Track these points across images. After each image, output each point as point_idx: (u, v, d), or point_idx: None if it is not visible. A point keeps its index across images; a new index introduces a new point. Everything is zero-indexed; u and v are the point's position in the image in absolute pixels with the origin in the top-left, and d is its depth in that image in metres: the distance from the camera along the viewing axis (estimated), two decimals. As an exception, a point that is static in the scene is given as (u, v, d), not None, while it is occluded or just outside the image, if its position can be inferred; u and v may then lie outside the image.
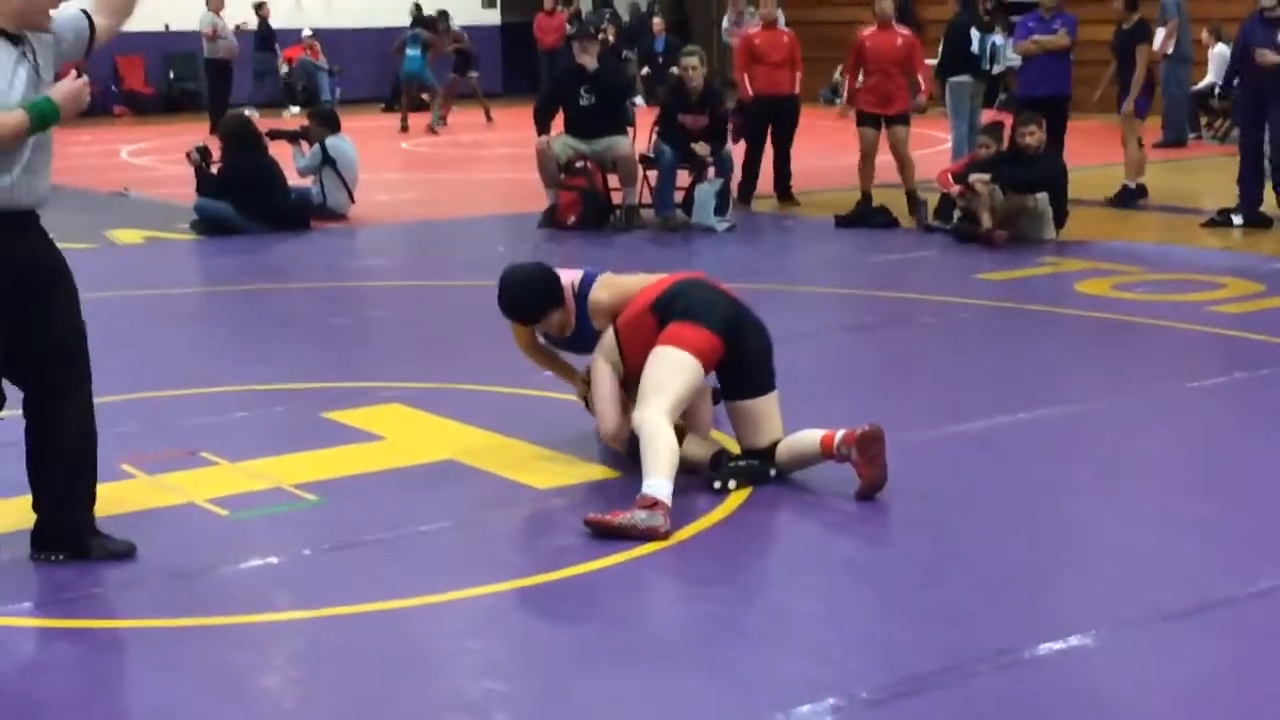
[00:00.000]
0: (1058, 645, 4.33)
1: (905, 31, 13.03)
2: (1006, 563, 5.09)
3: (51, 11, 4.76)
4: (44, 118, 4.62)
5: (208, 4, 21.21)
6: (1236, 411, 7.10)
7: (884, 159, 12.81)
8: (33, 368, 4.95)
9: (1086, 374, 7.79)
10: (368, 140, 19.17)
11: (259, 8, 25.32)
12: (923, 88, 13.14)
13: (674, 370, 5.63)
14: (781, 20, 14.31)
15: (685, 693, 4.10)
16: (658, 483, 5.31)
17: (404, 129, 21.62)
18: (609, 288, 6.17)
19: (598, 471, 6.01)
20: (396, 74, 23.36)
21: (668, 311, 5.76)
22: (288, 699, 4.17)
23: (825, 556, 5.33)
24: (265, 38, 25.19)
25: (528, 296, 6.16)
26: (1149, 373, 7.84)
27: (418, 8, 25.59)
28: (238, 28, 23.08)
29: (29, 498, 5.07)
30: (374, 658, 4.33)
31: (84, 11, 5.02)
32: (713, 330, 5.70)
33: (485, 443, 6.40)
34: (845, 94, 13.34)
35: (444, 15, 24.15)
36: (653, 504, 5.23)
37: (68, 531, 5.00)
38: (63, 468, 5.00)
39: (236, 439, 6.48)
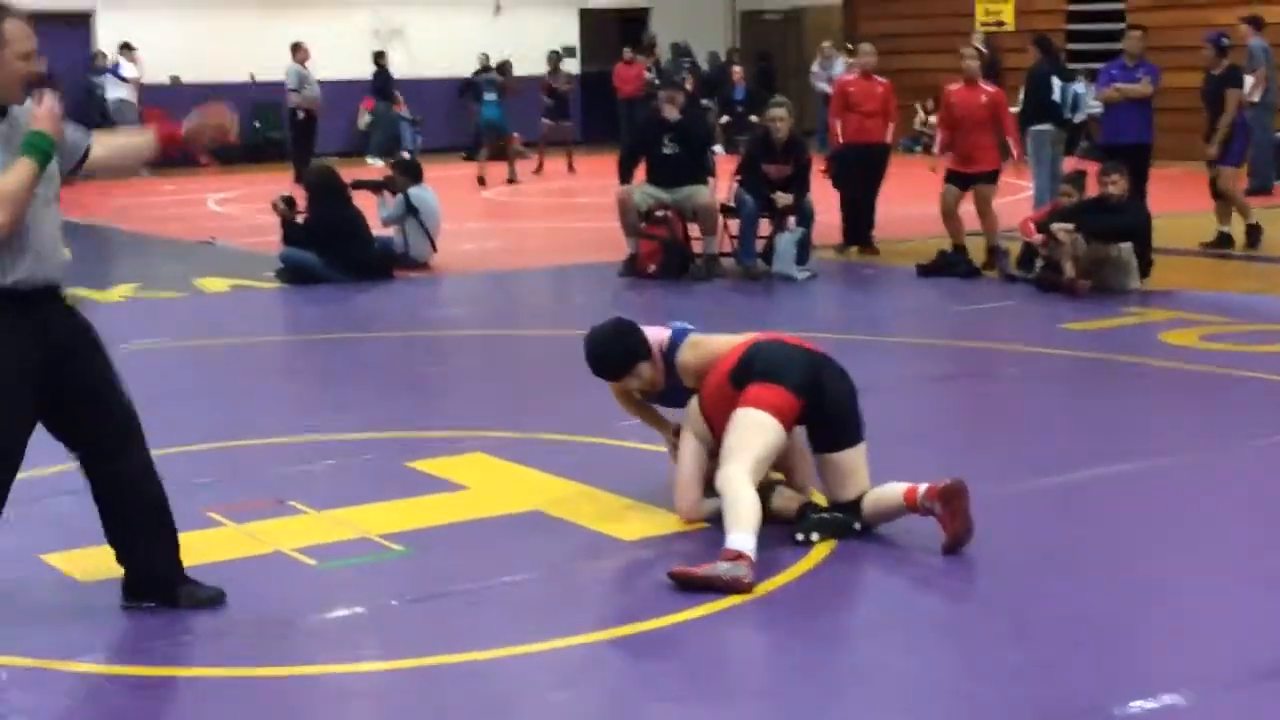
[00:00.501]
0: (1149, 704, 4.29)
1: (991, 89, 12.84)
2: (1093, 619, 5.03)
3: (29, 102, 4.75)
4: (43, 152, 4.60)
5: (292, 55, 21.41)
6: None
7: (966, 208, 12.73)
8: (81, 435, 4.99)
9: (1173, 427, 7.72)
10: (449, 189, 19.31)
11: (378, 57, 25.80)
12: (1014, 151, 12.96)
13: (754, 431, 5.65)
14: (875, 68, 14.23)
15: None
16: (741, 536, 5.30)
17: (481, 182, 21.28)
18: (695, 348, 6.16)
19: (683, 523, 5.99)
20: (476, 123, 23.40)
21: (746, 374, 5.79)
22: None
23: (910, 611, 5.30)
24: (383, 88, 25.71)
25: (610, 355, 6.18)
26: (1236, 426, 7.71)
27: (486, 56, 25.80)
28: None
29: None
30: (458, 709, 4.36)
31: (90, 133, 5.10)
32: (790, 389, 5.73)
33: (570, 493, 6.41)
34: (937, 148, 13.21)
35: (507, 63, 24.14)
36: (736, 556, 5.22)
37: (156, 581, 5.05)
38: (136, 529, 5.05)
39: (323, 488, 6.52)
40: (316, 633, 4.99)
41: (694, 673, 4.74)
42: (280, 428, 7.64)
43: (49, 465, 6.77)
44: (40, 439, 6.89)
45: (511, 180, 21.67)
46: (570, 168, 23.28)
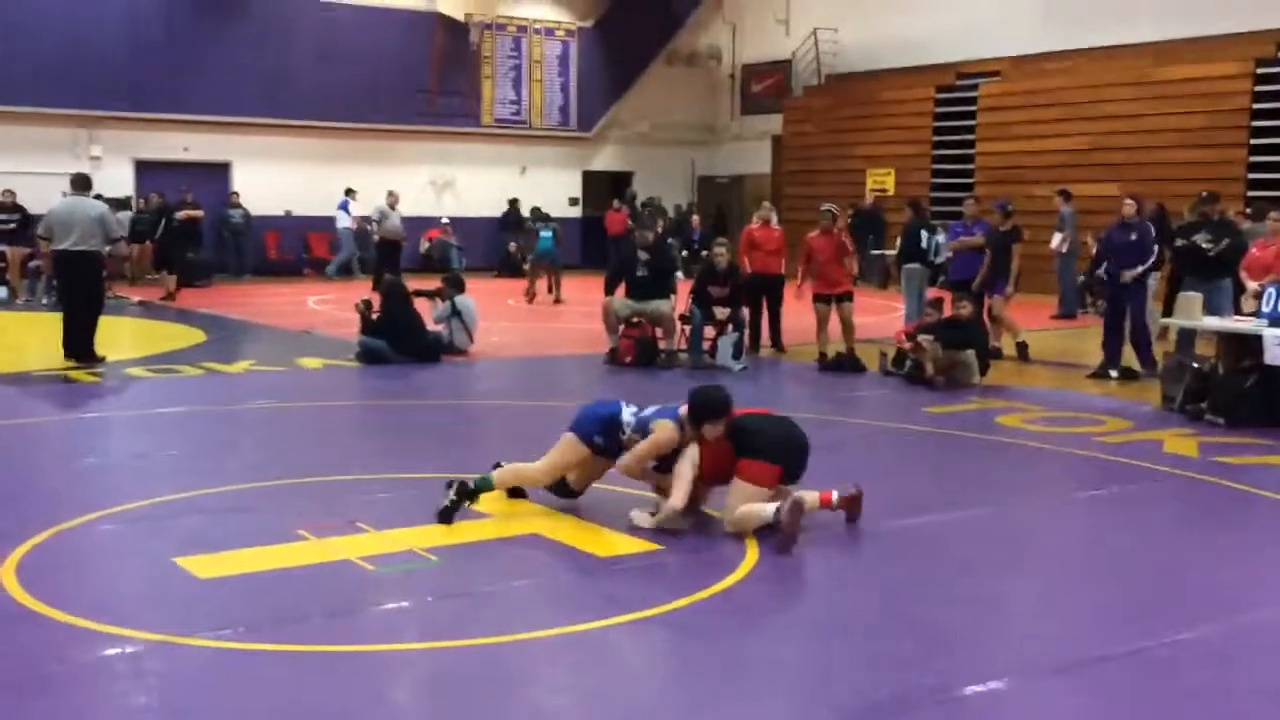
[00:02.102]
0: (979, 688, 4.28)
1: (840, 232, 12.81)
2: (942, 622, 5.02)
3: None
4: None
5: (387, 197, 21.30)
6: (1112, 515, 6.99)
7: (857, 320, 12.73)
8: None
9: (1003, 484, 7.73)
10: (487, 298, 19.34)
11: (513, 203, 26.33)
12: (853, 270, 12.99)
13: (750, 497, 6.09)
14: (774, 220, 14.27)
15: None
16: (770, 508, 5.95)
17: (530, 298, 20.18)
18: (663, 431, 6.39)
19: (647, 546, 5.95)
20: (519, 251, 22.92)
21: (741, 444, 6.18)
22: (412, 708, 4.14)
23: (796, 613, 5.28)
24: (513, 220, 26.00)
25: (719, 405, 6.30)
26: (1049, 484, 7.77)
27: (514, 202, 25.91)
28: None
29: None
30: (477, 679, 4.31)
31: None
32: (774, 463, 6.15)
33: (564, 522, 6.37)
34: (799, 278, 13.04)
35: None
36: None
37: None
38: None
39: (381, 513, 6.45)
40: (373, 620, 4.94)
41: (655, 652, 4.72)
42: (354, 468, 7.58)
43: (178, 492, 6.81)
44: (168, 470, 6.88)
45: (559, 300, 20.44)
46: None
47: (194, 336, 14.30)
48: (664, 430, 6.27)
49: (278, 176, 25.12)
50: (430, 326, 13.04)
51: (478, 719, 4.01)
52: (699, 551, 5.88)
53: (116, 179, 22.97)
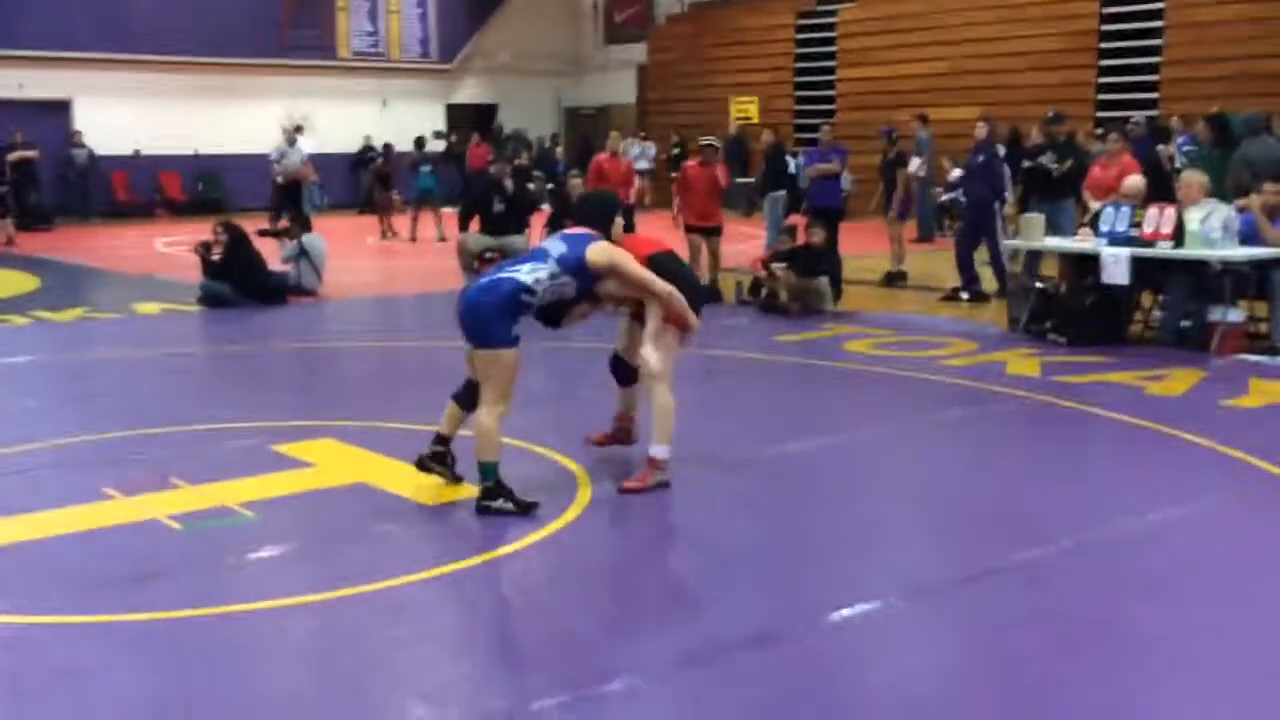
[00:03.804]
0: (851, 611, 4.22)
1: (717, 167, 12.41)
2: (808, 546, 4.95)
3: None
4: None
5: (285, 134, 20.11)
6: (950, 438, 6.96)
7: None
8: None
9: (849, 411, 7.64)
10: (344, 236, 18.77)
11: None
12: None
13: (670, 345, 5.68)
14: (623, 150, 13.98)
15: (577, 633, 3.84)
16: (666, 448, 5.61)
17: (413, 239, 19.44)
18: (606, 251, 5.46)
19: (473, 491, 5.65)
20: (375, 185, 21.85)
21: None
22: (228, 671, 3.85)
23: (667, 541, 5.11)
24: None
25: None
26: (889, 410, 7.66)
27: (368, 138, 24.99)
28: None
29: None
30: (254, 649, 4.04)
31: None
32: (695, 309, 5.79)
33: (392, 469, 6.07)
34: (675, 210, 12.70)
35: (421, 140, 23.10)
36: (664, 463, 5.60)
37: None
38: None
39: (201, 467, 6.08)
40: (169, 586, 4.56)
41: (466, 608, 4.49)
42: (178, 419, 7.18)
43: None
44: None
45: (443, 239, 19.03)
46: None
47: (26, 284, 13.57)
48: (616, 253, 5.43)
49: (123, 114, 24.00)
50: (277, 267, 12.55)
51: (260, 689, 3.75)
52: (532, 492, 5.64)
53: (-54, 118, 21.72)
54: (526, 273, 5.30)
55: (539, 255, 5.43)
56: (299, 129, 23.65)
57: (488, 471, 5.28)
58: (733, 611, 4.30)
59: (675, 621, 4.30)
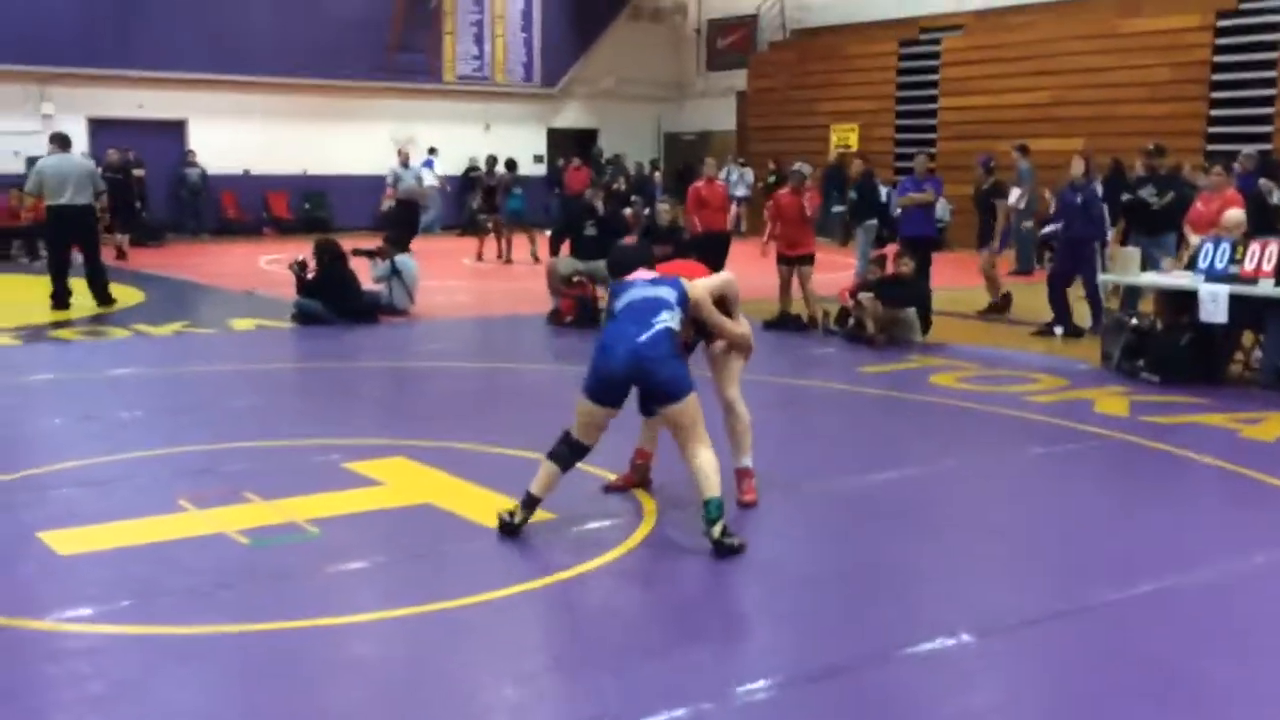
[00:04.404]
0: (933, 645, 4.15)
1: (807, 193, 12.26)
2: (887, 576, 4.86)
3: None
4: None
5: (398, 155, 20.38)
6: (1029, 476, 6.79)
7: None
8: None
9: (929, 444, 7.47)
10: (443, 258, 19.03)
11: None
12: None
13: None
14: (721, 176, 13.96)
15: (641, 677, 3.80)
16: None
17: (506, 260, 19.59)
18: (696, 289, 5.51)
19: (544, 515, 5.64)
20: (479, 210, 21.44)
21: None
22: (284, 687, 3.88)
23: (745, 564, 5.03)
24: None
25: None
26: (973, 444, 7.50)
27: (474, 159, 25.00)
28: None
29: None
30: (314, 666, 4.05)
31: None
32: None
33: (460, 490, 6.10)
34: (766, 238, 12.55)
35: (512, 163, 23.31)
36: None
37: None
38: None
39: (274, 482, 6.16)
40: (230, 599, 4.61)
41: (526, 630, 4.45)
42: (259, 434, 7.31)
43: (64, 461, 6.53)
44: (62, 438, 6.55)
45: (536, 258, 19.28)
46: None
47: (133, 297, 13.95)
48: (715, 283, 5.60)
49: (235, 134, 24.64)
50: (369, 286, 12.74)
51: (319, 704, 3.77)
52: (598, 516, 5.61)
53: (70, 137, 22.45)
54: (669, 320, 5.21)
55: (663, 303, 5.27)
56: (433, 150, 24.19)
57: (721, 506, 5.05)
58: (802, 642, 4.24)
59: (741, 650, 4.24)
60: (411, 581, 4.89)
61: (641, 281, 5.37)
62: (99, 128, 23.19)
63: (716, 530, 4.93)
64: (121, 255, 18.58)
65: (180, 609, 4.49)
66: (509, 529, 5.27)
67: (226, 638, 4.25)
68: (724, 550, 4.92)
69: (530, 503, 5.29)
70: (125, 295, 13.86)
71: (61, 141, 12.97)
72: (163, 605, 4.52)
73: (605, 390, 5.16)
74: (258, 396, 8.79)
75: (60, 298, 12.69)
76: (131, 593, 4.63)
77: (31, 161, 21.33)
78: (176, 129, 24.43)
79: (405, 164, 20.21)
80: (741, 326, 5.71)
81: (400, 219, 19.57)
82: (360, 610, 4.50)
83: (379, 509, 5.79)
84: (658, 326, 5.14)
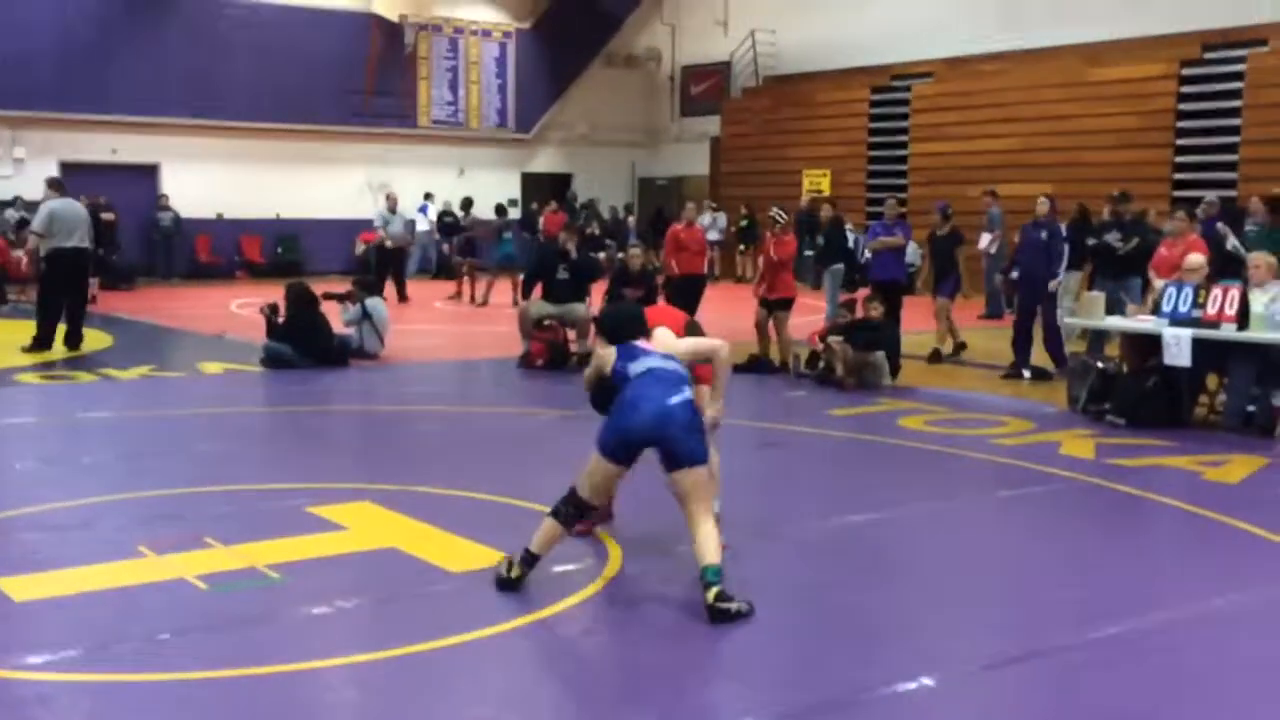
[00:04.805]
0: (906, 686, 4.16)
1: (787, 239, 12.32)
2: (859, 620, 4.84)
3: None
4: None
5: (386, 201, 20.34)
6: (997, 518, 6.81)
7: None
8: None
9: (895, 488, 7.48)
10: (414, 299, 18.99)
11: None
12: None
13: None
14: (701, 220, 14.06)
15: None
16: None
17: (483, 303, 19.72)
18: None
19: (501, 558, 5.62)
20: (462, 252, 21.39)
21: None
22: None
23: (691, 620, 5.01)
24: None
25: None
26: (938, 488, 7.51)
27: (447, 203, 25.02)
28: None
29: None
30: (263, 714, 4.00)
31: None
32: None
33: (423, 534, 6.06)
34: (756, 281, 12.56)
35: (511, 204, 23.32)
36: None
37: None
38: None
39: (236, 528, 6.10)
40: (186, 645, 4.56)
41: (485, 676, 4.42)
42: (223, 478, 7.25)
43: (22, 507, 6.46)
44: (17, 484, 6.41)
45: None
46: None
47: (101, 341, 13.88)
48: (703, 348, 5.56)
49: (208, 179, 24.64)
50: (340, 330, 12.71)
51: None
52: (563, 559, 5.59)
53: (41, 182, 22.38)
54: (690, 394, 5.21)
55: (684, 378, 5.25)
56: (428, 195, 24.27)
57: (719, 572, 4.98)
58: (763, 687, 4.23)
59: (704, 694, 4.22)
60: (373, 627, 4.86)
61: (656, 354, 5.34)
62: (72, 172, 23.06)
63: (711, 595, 4.87)
64: (91, 299, 18.45)
65: (136, 656, 4.44)
66: (507, 584, 5.14)
67: (182, 685, 4.20)
68: (720, 616, 4.83)
69: (530, 560, 5.18)
70: (94, 339, 13.78)
71: (60, 186, 13.20)
72: (118, 652, 4.47)
73: (624, 448, 5.10)
74: (223, 441, 8.74)
75: (48, 340, 12.74)
76: (87, 640, 4.58)
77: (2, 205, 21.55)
78: (149, 173, 24.42)
79: (393, 209, 20.19)
80: (714, 409, 5.53)
81: (382, 264, 19.64)
82: (320, 656, 4.46)
83: (342, 554, 5.75)
84: (685, 395, 5.15)
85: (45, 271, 13.00)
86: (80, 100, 22.82)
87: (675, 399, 5.09)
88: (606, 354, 5.31)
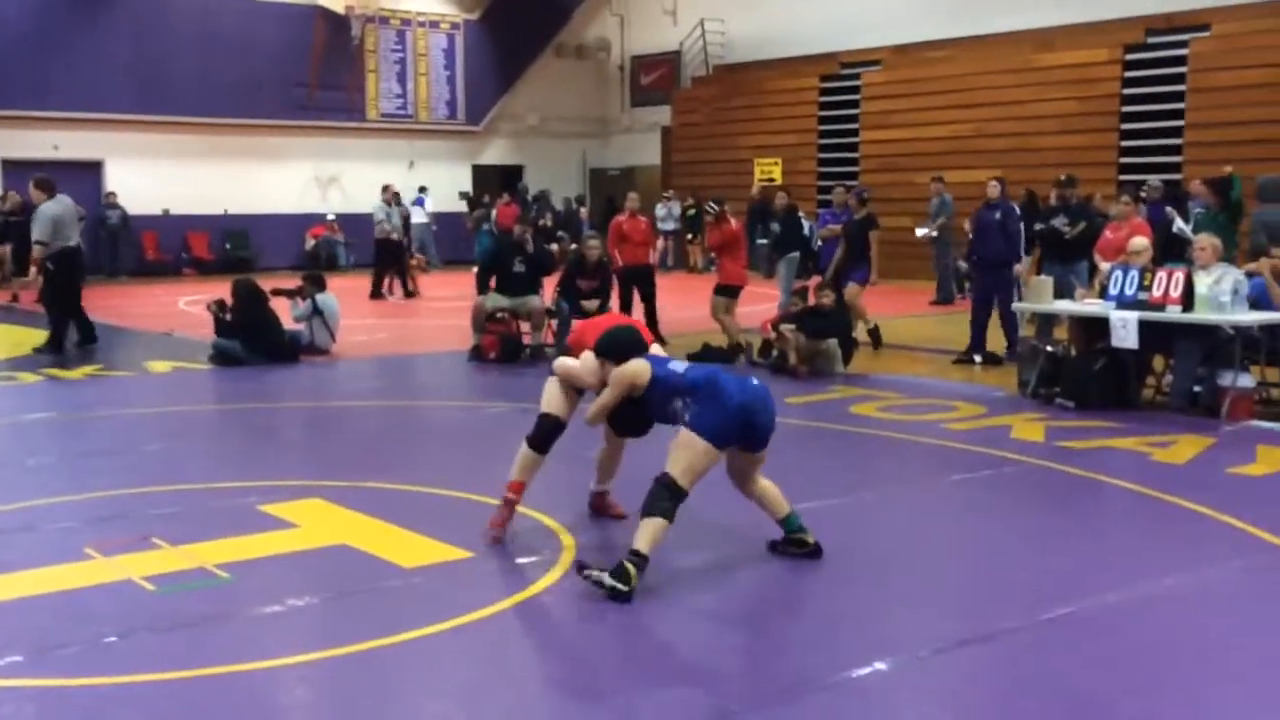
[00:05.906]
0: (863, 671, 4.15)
1: (733, 226, 12.47)
2: (823, 605, 4.79)
3: None
4: None
5: (383, 194, 20.14)
6: (949, 503, 6.84)
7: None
8: None
9: (848, 474, 7.53)
10: (359, 295, 18.88)
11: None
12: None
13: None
14: (656, 211, 14.06)
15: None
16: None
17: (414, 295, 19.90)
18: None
19: (455, 553, 5.62)
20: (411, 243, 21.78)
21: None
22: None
23: (677, 603, 4.99)
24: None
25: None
26: (891, 473, 7.58)
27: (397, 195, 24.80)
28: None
29: None
30: (217, 715, 3.95)
31: None
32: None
33: (376, 530, 6.01)
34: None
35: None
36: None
37: None
38: None
39: (185, 527, 6.03)
40: (131, 648, 4.50)
41: (437, 673, 4.38)
42: (172, 478, 7.16)
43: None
44: None
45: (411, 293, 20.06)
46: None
47: (44, 340, 13.62)
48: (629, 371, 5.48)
49: (154, 174, 24.34)
50: (290, 325, 12.59)
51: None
52: (516, 555, 5.56)
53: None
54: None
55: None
56: (423, 189, 24.06)
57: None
58: (715, 676, 4.22)
59: (657, 685, 4.19)
60: (325, 624, 4.80)
61: (693, 366, 5.50)
62: (12, 169, 22.76)
63: (811, 537, 5.53)
64: (40, 299, 18.15)
65: (82, 660, 4.37)
66: (626, 596, 4.91)
67: (129, 688, 4.14)
68: (808, 549, 5.50)
69: (643, 563, 5.02)
70: (37, 339, 13.56)
71: (49, 187, 13.02)
72: (62, 656, 4.40)
73: (746, 428, 5.28)
74: (172, 440, 8.63)
75: (62, 341, 12.88)
76: (30, 644, 4.50)
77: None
78: (94, 170, 24.06)
79: (389, 203, 19.96)
80: (597, 403, 5.55)
81: (385, 259, 19.54)
82: (272, 655, 4.40)
83: (293, 552, 5.69)
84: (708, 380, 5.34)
85: (51, 274, 12.82)
86: (19, 95, 22.46)
87: (766, 388, 5.42)
88: (636, 370, 5.38)
